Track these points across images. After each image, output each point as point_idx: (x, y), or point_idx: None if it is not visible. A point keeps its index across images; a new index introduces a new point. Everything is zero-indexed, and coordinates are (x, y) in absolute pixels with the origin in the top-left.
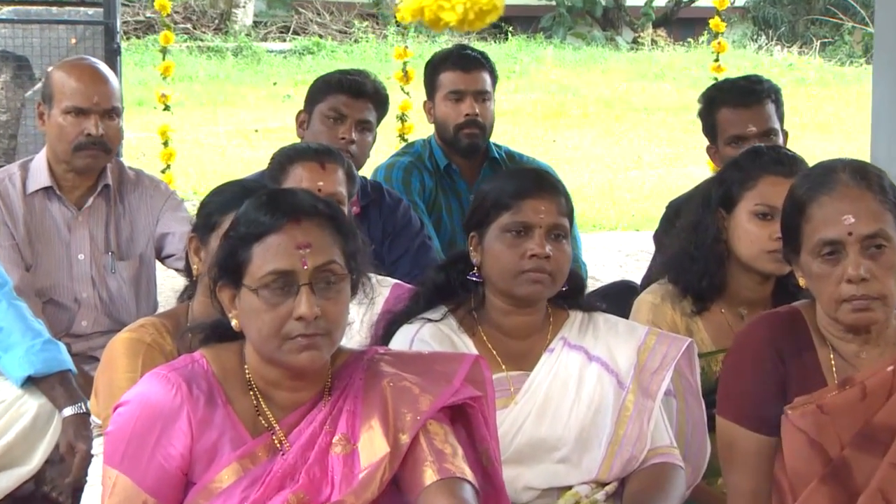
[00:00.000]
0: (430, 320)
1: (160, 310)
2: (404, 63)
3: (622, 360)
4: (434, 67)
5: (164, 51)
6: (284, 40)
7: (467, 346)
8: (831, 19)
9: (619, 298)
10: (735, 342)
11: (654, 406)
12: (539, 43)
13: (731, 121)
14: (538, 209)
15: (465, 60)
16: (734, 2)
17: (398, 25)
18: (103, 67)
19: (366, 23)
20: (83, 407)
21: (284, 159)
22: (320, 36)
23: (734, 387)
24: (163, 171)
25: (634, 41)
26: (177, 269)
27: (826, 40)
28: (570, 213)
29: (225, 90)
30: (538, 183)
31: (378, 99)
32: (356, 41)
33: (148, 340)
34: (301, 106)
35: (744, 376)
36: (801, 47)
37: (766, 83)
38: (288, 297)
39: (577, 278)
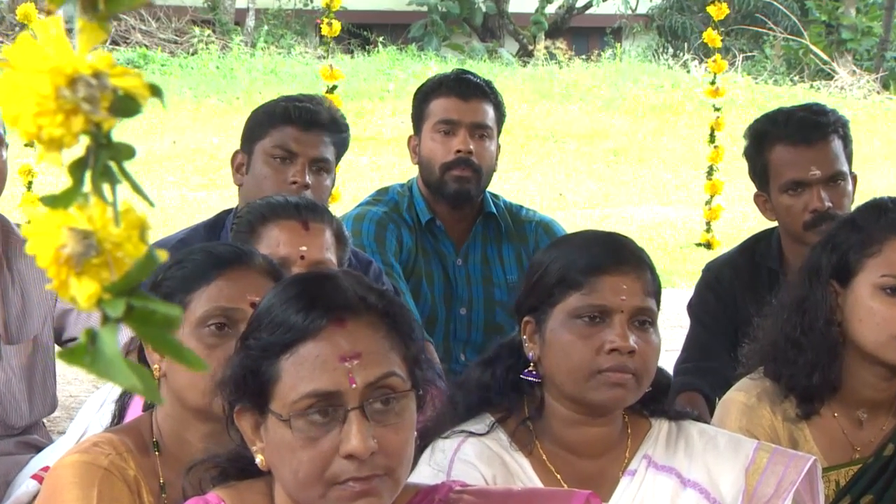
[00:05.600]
0: (472, 434)
1: (59, 409)
2: (332, 87)
3: (726, 486)
4: (424, 94)
5: None
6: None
7: (523, 467)
8: (751, 28)
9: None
10: None
11: None
12: (412, 56)
13: (789, 162)
14: (619, 288)
15: (462, 86)
16: (636, 9)
17: (322, 38)
18: None
19: (206, 31)
20: None
21: (256, 218)
22: (146, 46)
23: None
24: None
25: (527, 54)
26: None
27: (746, 54)
28: (657, 293)
29: None
30: (618, 253)
31: (336, 131)
32: (194, 53)
33: (104, 464)
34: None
35: None
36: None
37: (832, 114)
38: (332, 428)
39: (660, 376)
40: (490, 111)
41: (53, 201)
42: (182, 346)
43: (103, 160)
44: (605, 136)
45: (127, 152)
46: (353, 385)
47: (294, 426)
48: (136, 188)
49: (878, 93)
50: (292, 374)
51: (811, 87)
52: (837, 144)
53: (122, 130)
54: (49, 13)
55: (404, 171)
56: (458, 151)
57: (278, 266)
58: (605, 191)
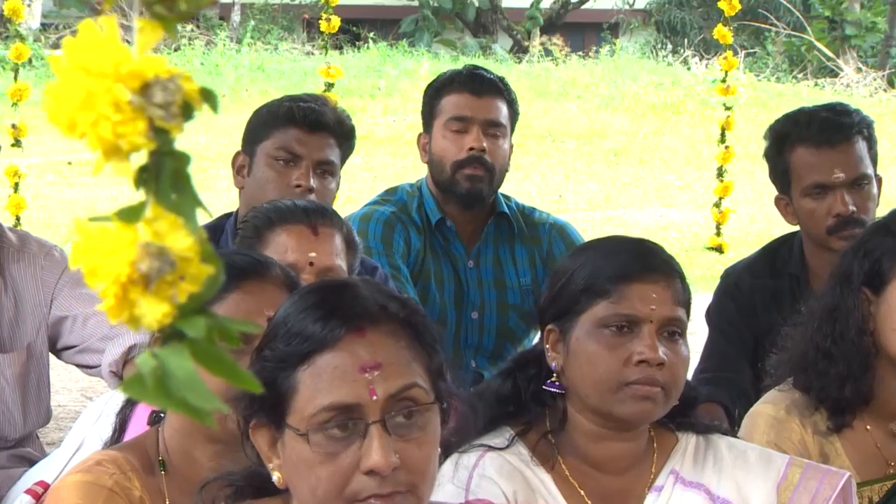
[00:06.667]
0: (492, 448)
1: (53, 421)
2: (330, 85)
3: (757, 503)
4: (436, 91)
5: (16, 69)
6: None
7: (544, 483)
8: (753, 24)
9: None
10: None
11: None
12: (403, 52)
13: (811, 164)
14: (647, 297)
15: (475, 82)
16: (633, 4)
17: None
18: None
19: (190, 26)
20: None
21: (262, 222)
22: (128, 42)
23: None
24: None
25: (522, 50)
26: (79, 366)
27: (748, 51)
28: (687, 303)
29: (9, 110)
30: (647, 260)
31: (342, 132)
32: (177, 49)
33: (108, 484)
34: None
35: None
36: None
37: (856, 114)
38: (352, 443)
39: (687, 389)
40: (504, 108)
41: (128, 215)
42: (237, 366)
43: (169, 169)
44: (604, 136)
45: (184, 160)
46: (374, 397)
47: (312, 441)
48: (196, 199)
49: (885, 90)
50: (310, 386)
51: (815, 84)
52: (862, 146)
53: None
54: (99, 13)
55: (398, 172)
56: (471, 149)
57: (295, 277)
58: (605, 192)
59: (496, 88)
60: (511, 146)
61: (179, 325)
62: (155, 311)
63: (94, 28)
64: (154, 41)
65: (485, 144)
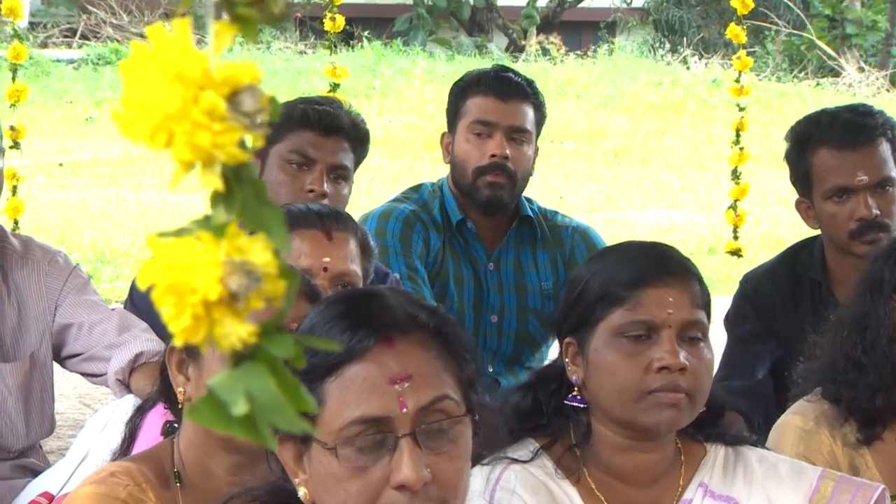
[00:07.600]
0: (516, 461)
1: (56, 431)
2: (335, 85)
3: None
4: (461, 90)
5: (14, 69)
6: (70, 46)
7: (570, 496)
8: (753, 22)
9: None
10: None
11: None
12: (398, 51)
13: (834, 167)
14: (664, 301)
15: (502, 85)
16: (630, 2)
17: (320, 31)
18: None
19: None
20: None
21: None
22: (118, 41)
23: None
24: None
25: (518, 49)
26: (84, 374)
27: (747, 50)
28: (707, 305)
29: (6, 111)
30: (662, 264)
31: (356, 136)
32: None
33: (122, 496)
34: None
35: None
36: (724, 58)
37: (879, 116)
38: (381, 457)
39: (714, 396)
40: (530, 113)
41: (216, 229)
42: (300, 386)
43: (247, 179)
44: (603, 136)
45: (252, 170)
46: (404, 410)
47: (340, 455)
48: (278, 211)
49: (888, 90)
50: (338, 399)
51: (817, 84)
52: (885, 148)
53: (91, 130)
54: (169, 16)
55: (395, 174)
56: (493, 156)
57: (316, 286)
58: (606, 193)
59: (523, 92)
60: (536, 149)
61: (265, 344)
62: (240, 331)
63: (165, 33)
64: (227, 45)
65: (508, 151)
